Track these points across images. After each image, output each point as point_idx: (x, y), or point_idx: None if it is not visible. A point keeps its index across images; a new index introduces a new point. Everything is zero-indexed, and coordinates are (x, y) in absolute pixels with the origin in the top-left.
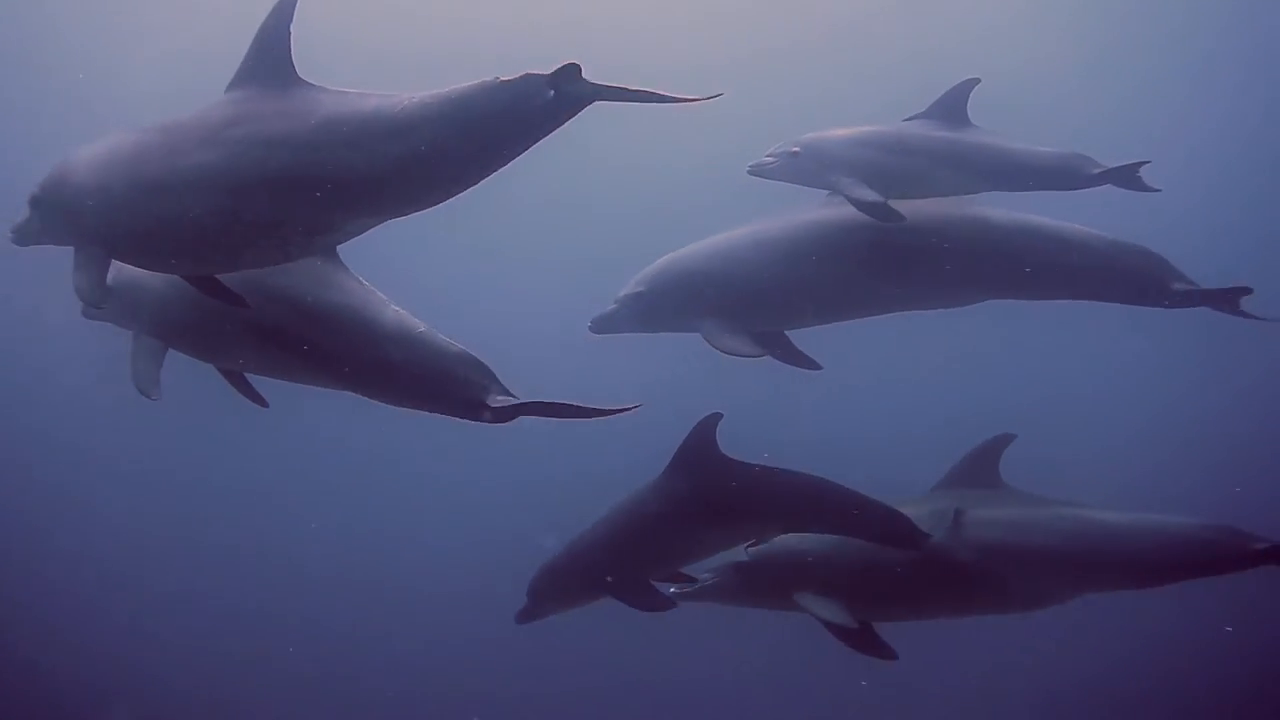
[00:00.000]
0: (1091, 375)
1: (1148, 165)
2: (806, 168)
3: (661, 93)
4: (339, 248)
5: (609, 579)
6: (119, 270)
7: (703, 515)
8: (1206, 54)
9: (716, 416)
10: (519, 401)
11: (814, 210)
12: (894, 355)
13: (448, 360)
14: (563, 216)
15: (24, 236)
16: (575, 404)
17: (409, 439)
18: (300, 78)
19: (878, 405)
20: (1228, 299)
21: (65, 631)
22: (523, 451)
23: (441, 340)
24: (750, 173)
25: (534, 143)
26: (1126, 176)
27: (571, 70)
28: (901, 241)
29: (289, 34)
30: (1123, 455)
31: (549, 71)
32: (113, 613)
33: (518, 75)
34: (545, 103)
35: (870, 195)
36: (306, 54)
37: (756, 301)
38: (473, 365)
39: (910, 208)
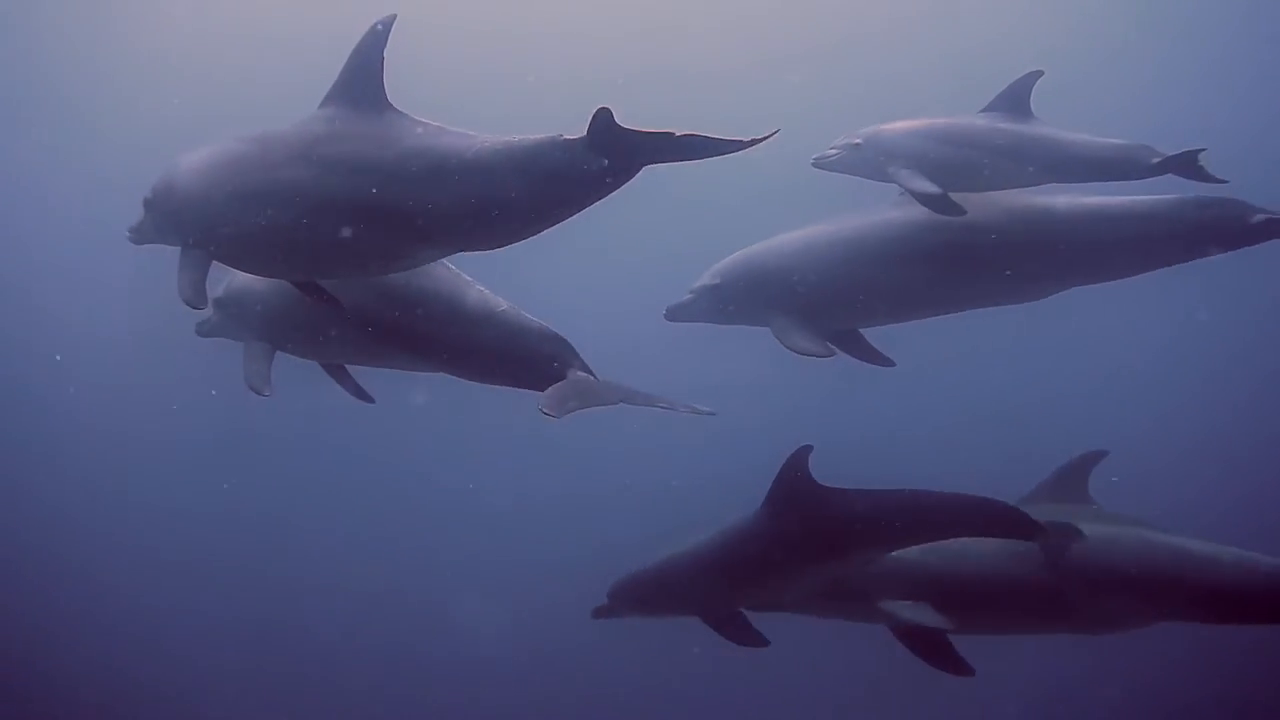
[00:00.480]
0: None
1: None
2: (869, 160)
3: (713, 137)
4: None
5: (702, 609)
6: (231, 279)
7: (806, 551)
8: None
9: (807, 450)
10: (595, 381)
11: (889, 208)
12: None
13: (530, 337)
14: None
15: (140, 236)
16: (653, 395)
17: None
18: (389, 103)
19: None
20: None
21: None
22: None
23: (524, 317)
24: (814, 165)
25: (585, 204)
26: (1187, 165)
27: (603, 117)
28: (976, 239)
29: (382, 58)
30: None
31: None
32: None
33: (575, 136)
34: (594, 170)
35: (929, 187)
36: (397, 75)
37: (830, 299)
38: (553, 340)
39: (980, 203)
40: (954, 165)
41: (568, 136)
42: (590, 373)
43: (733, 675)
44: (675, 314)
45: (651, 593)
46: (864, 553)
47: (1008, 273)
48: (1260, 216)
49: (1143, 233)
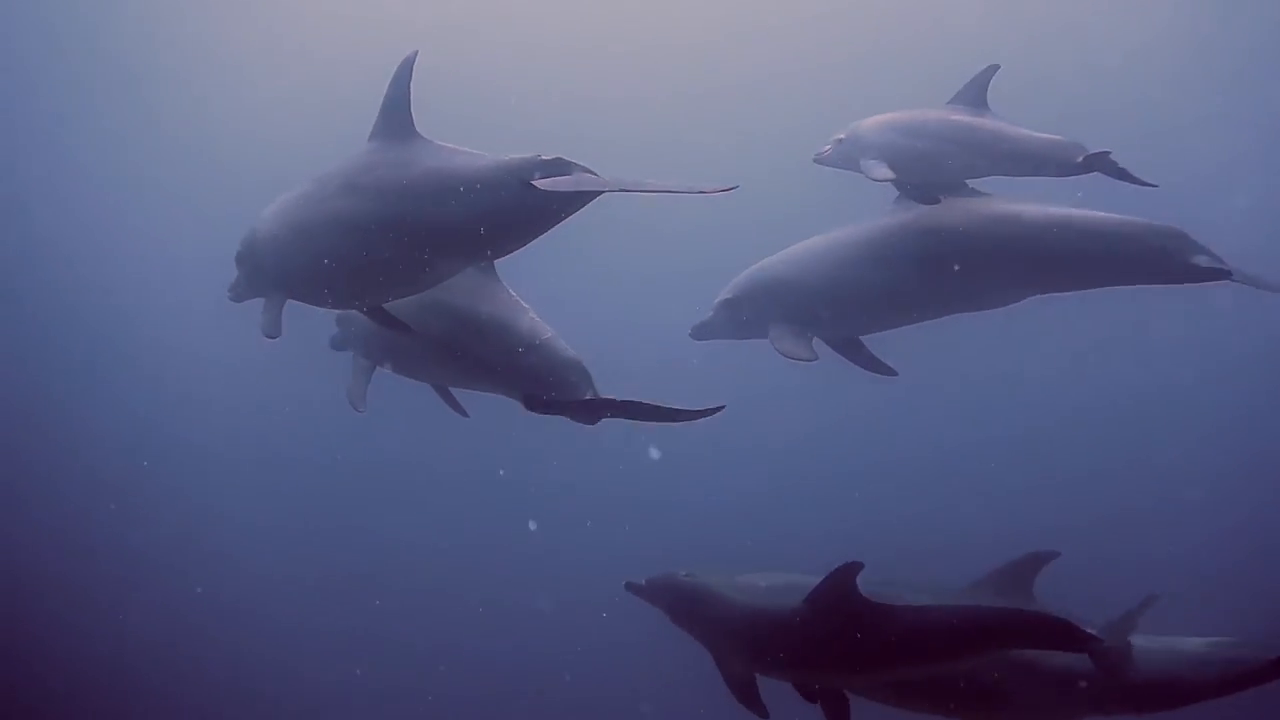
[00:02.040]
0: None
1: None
2: (849, 153)
3: (658, 187)
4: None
5: (721, 658)
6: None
7: (839, 660)
8: None
9: (856, 567)
10: (606, 399)
11: (878, 217)
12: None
13: (563, 366)
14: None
15: (237, 293)
16: (658, 403)
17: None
18: (416, 131)
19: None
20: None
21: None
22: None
23: (563, 347)
24: (814, 162)
25: (569, 212)
26: (1103, 165)
27: (539, 165)
28: (952, 245)
29: (408, 92)
30: None
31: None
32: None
33: (543, 159)
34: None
35: (886, 174)
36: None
37: (826, 307)
38: (579, 371)
39: (953, 209)
40: (913, 155)
41: (544, 157)
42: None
43: None
44: (699, 332)
45: (684, 610)
46: (901, 668)
47: (981, 278)
48: (1203, 259)
49: (1106, 249)
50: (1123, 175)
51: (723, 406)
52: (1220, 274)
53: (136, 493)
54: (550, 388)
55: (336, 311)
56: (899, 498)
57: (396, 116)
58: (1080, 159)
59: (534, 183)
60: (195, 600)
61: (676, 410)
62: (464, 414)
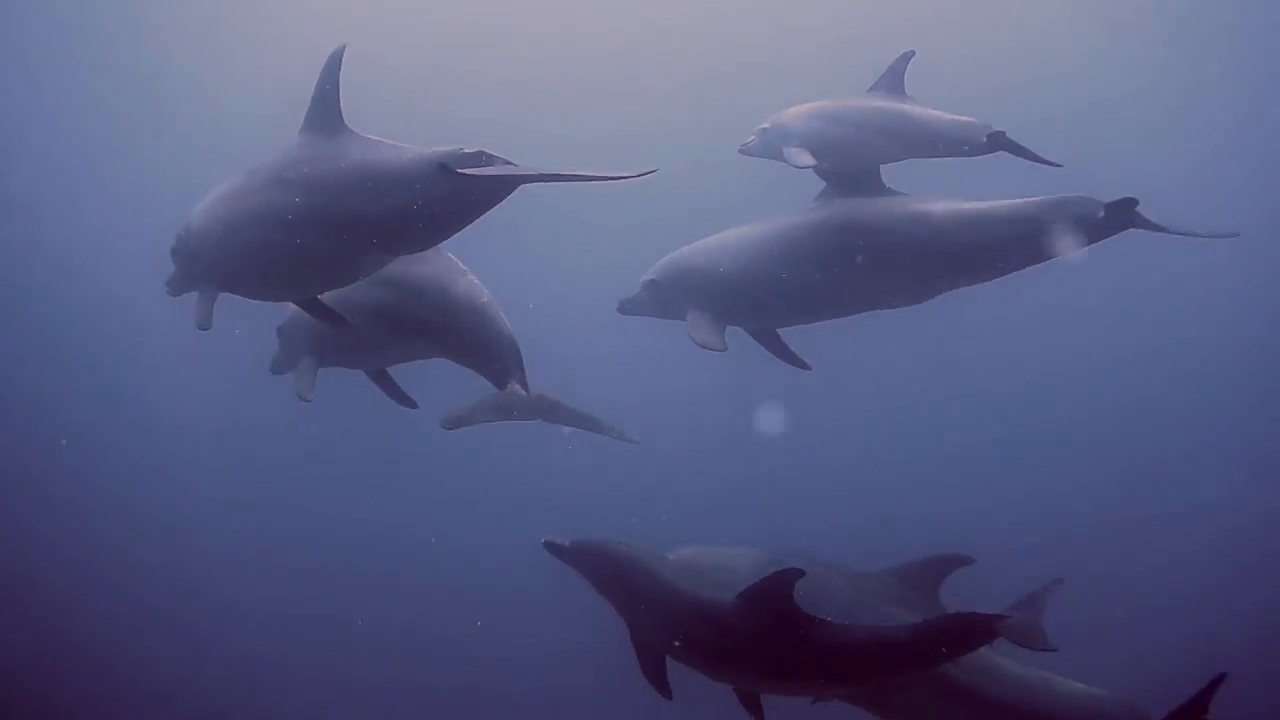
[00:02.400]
0: None
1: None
2: (773, 142)
3: (579, 174)
4: None
5: (638, 632)
6: (287, 314)
7: (762, 667)
8: None
9: (796, 573)
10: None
11: (793, 212)
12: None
13: (495, 335)
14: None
15: (174, 287)
16: (582, 415)
17: None
18: (344, 125)
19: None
20: (1126, 209)
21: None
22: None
23: (498, 314)
24: (740, 152)
25: (492, 204)
26: (1004, 144)
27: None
28: (865, 240)
29: (337, 85)
30: None
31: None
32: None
33: (465, 151)
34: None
35: (808, 160)
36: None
37: (739, 297)
38: (508, 344)
39: (867, 209)
40: (839, 143)
41: (466, 150)
42: (524, 387)
43: None
44: (624, 307)
45: (609, 578)
46: (825, 683)
47: (889, 275)
48: (1102, 212)
49: (1017, 234)
50: (1023, 153)
51: (638, 441)
52: (1126, 225)
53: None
54: (485, 352)
55: (277, 327)
56: (892, 497)
57: (325, 109)
58: (984, 138)
59: (458, 171)
60: (146, 575)
61: (601, 425)
62: (412, 405)
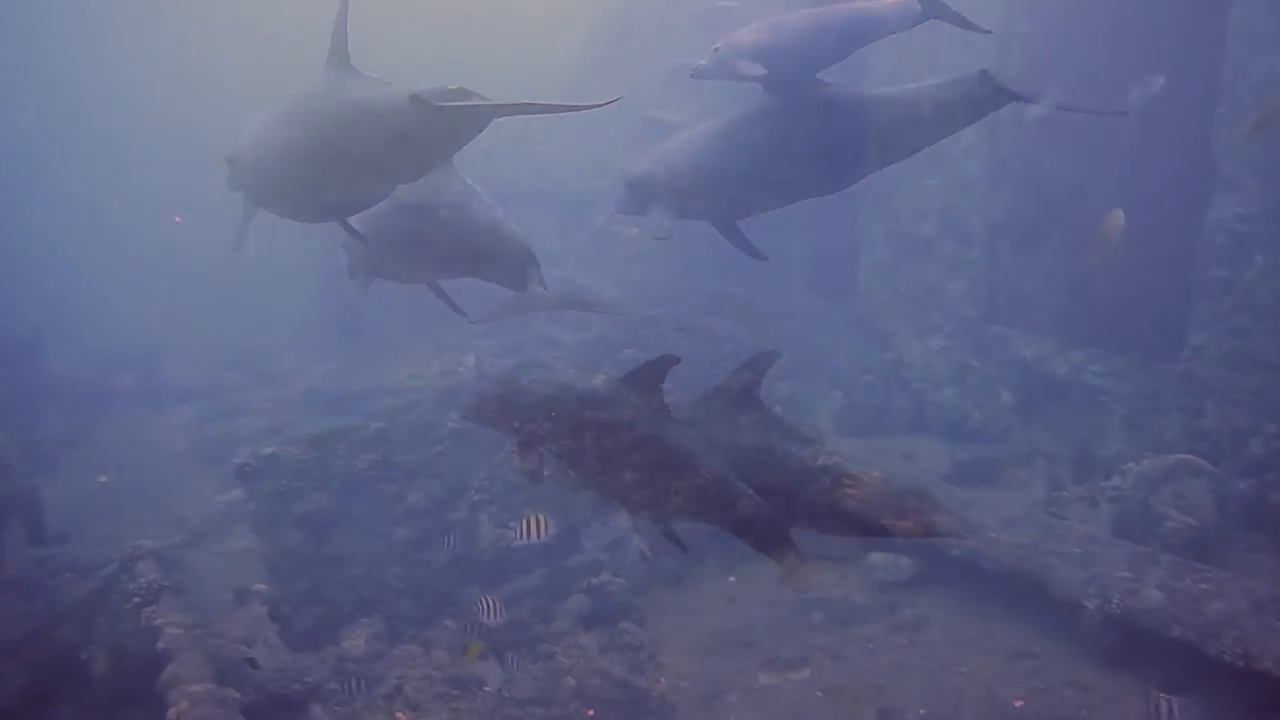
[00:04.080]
0: None
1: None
2: (725, 62)
3: (545, 103)
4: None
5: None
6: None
7: (619, 454)
8: None
9: (672, 360)
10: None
11: (737, 110)
12: None
13: (512, 244)
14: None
15: (231, 184)
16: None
17: None
18: (350, 65)
19: None
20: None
21: None
22: None
23: (510, 225)
24: (691, 76)
25: (457, 142)
26: (941, 9)
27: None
28: (800, 128)
29: (345, 26)
30: None
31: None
32: None
33: (449, 88)
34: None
35: (759, 70)
36: None
37: (693, 191)
38: (524, 251)
39: (801, 98)
40: (789, 49)
41: (450, 87)
42: (544, 285)
43: None
44: (619, 207)
45: (500, 411)
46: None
47: (828, 159)
48: (989, 84)
49: (932, 113)
50: (957, 20)
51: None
52: (1007, 97)
53: None
54: (502, 267)
55: (341, 243)
56: None
57: (336, 49)
58: (919, 6)
59: (433, 104)
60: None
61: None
62: (463, 313)
